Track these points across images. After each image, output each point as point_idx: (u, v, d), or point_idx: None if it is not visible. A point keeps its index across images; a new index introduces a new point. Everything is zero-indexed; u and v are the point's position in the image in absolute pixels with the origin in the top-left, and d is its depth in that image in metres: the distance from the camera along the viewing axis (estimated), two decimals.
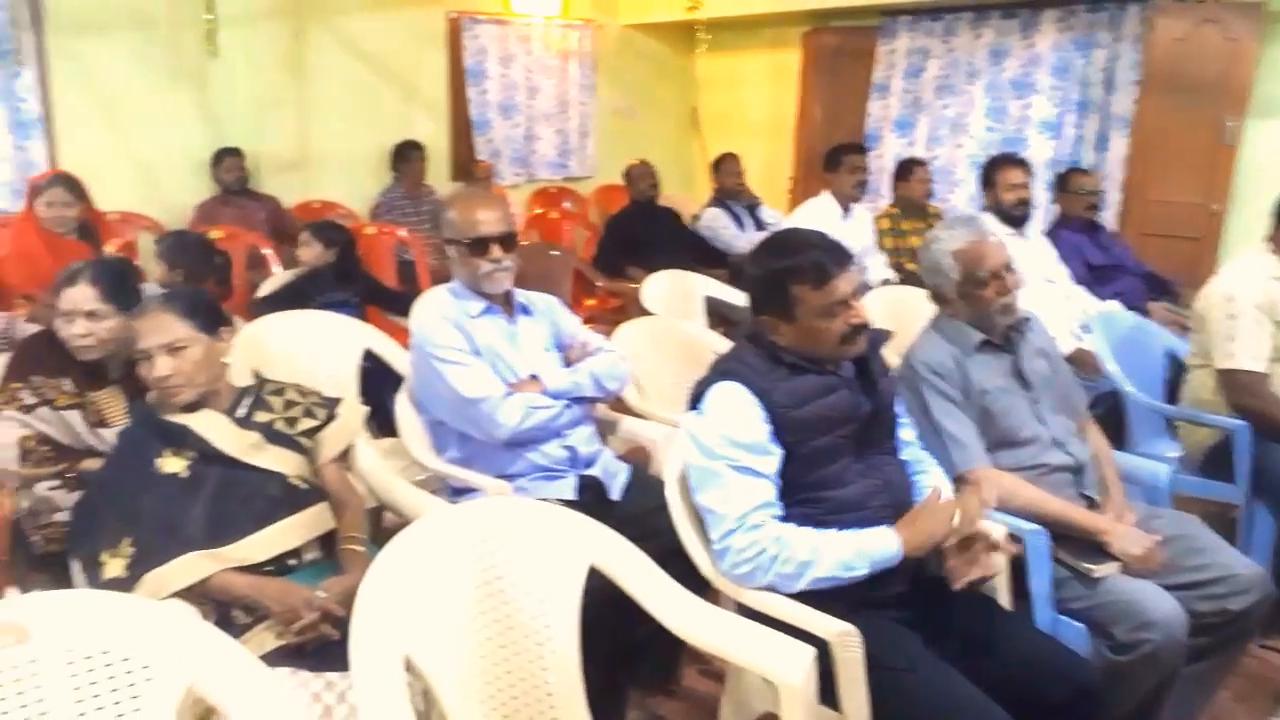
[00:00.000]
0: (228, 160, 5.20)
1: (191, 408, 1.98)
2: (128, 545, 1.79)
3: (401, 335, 3.27)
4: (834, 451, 1.86)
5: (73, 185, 3.78)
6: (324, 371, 2.96)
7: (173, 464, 1.90)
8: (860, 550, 1.78)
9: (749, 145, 6.00)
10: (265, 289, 3.91)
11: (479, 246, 2.37)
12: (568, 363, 2.51)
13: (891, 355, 2.34)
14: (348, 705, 1.67)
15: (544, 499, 2.12)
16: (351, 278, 4.07)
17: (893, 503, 1.90)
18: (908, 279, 4.30)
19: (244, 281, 4.45)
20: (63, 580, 1.93)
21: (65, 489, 2.08)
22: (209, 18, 4.91)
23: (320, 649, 1.75)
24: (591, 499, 2.33)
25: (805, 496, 1.84)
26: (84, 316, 2.13)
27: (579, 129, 7.03)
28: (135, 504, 1.84)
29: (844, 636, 1.67)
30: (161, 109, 5.16)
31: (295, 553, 1.92)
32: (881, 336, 2.00)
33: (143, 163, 5.13)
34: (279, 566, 1.89)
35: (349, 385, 2.96)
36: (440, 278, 4.86)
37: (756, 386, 1.82)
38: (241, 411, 2.02)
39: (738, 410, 1.81)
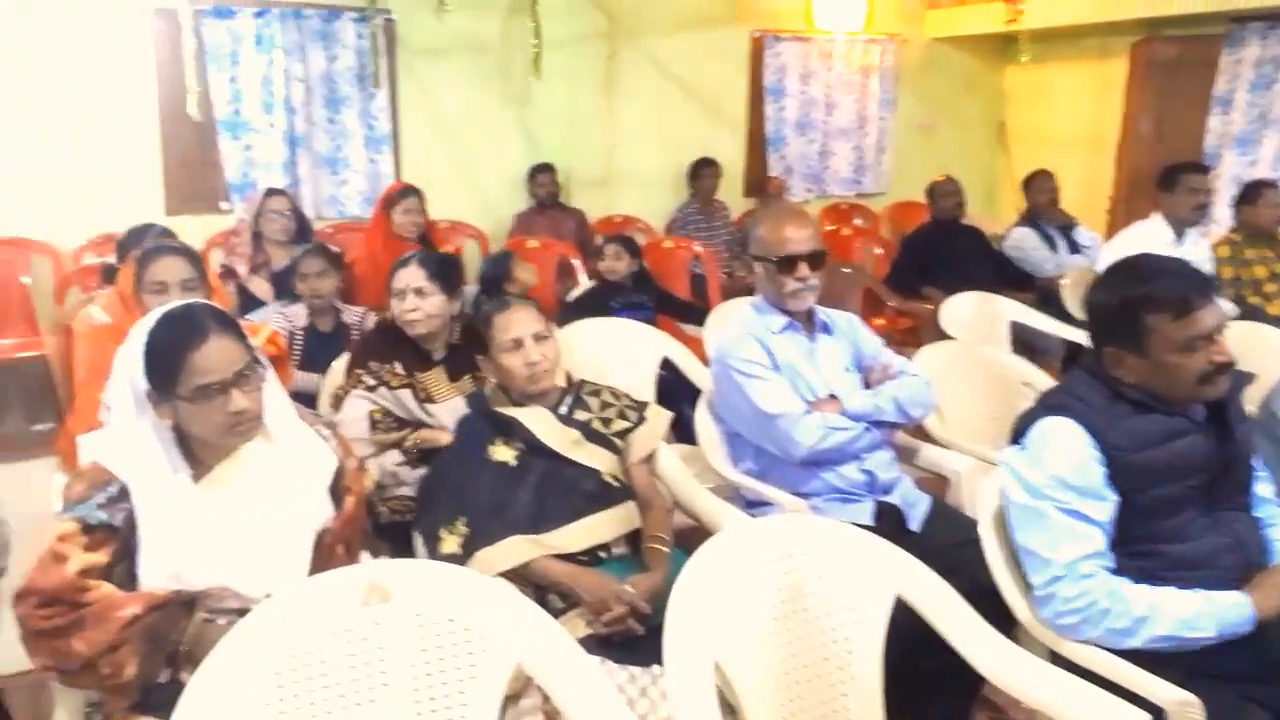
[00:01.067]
0: (541, 176, 5.59)
1: (519, 402, 2.15)
2: (462, 524, 1.97)
3: (694, 346, 3.37)
4: (1178, 502, 1.69)
5: (420, 196, 4.23)
6: (624, 376, 3.10)
7: (503, 453, 2.07)
8: (1206, 611, 1.60)
9: (1062, 162, 5.59)
10: (573, 296, 4.15)
11: (787, 264, 2.38)
12: (868, 384, 2.46)
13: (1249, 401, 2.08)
14: (649, 700, 1.74)
15: (841, 520, 2.09)
16: (646, 287, 4.25)
17: (1243, 563, 1.70)
18: (1249, 313, 3.83)
19: (553, 289, 4.77)
20: (403, 549, 2.16)
21: (409, 465, 2.33)
22: (535, 43, 5.31)
23: (625, 642, 1.84)
24: (889, 527, 2.26)
25: (1141, 549, 1.68)
26: (413, 293, 2.43)
27: (876, 145, 6.89)
28: (470, 487, 2.02)
29: (1184, 706, 1.51)
30: (489, 127, 5.66)
31: (605, 546, 2.03)
32: (1244, 379, 1.79)
33: (471, 176, 5.64)
34: (591, 558, 2.00)
35: (647, 391, 3.08)
36: (730, 292, 5.00)
37: (1092, 424, 1.69)
38: (564, 409, 2.16)
39: (1069, 449, 1.68)
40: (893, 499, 2.35)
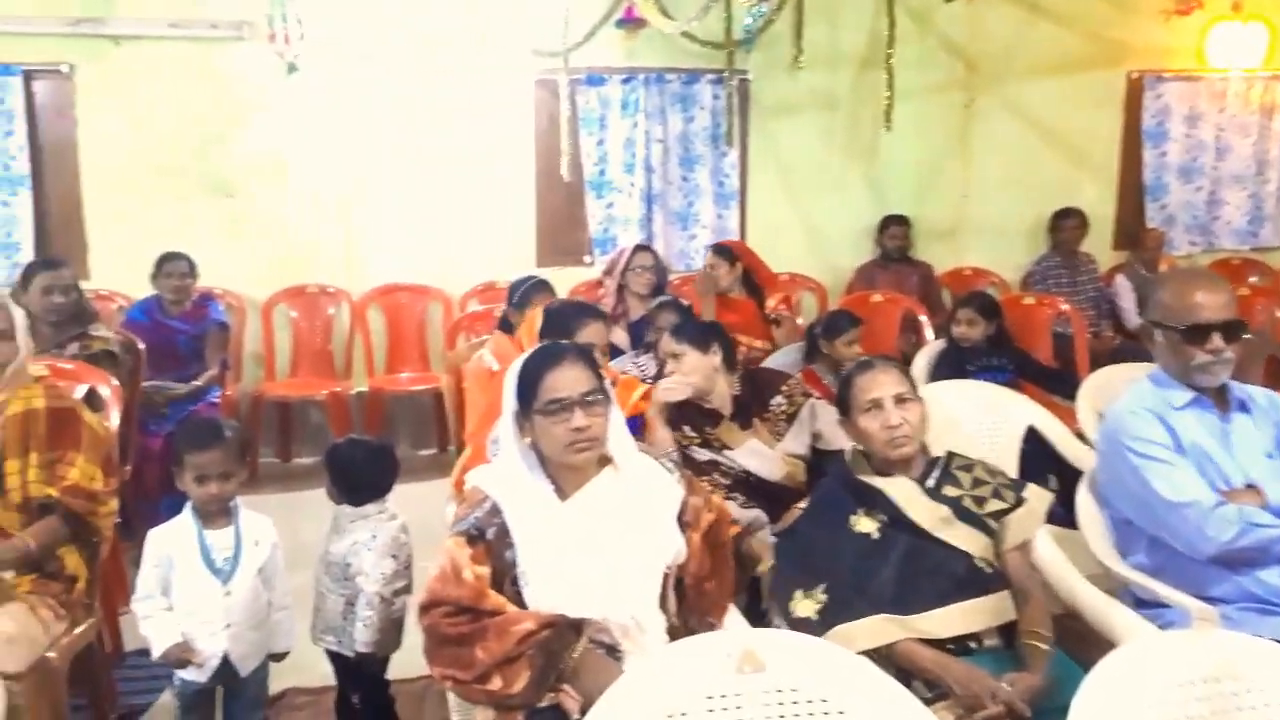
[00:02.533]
0: (893, 228, 5.45)
1: (883, 471, 2.05)
2: (820, 592, 1.90)
3: (1063, 415, 3.07)
4: None
5: (726, 252, 4.28)
6: (983, 446, 2.88)
7: (865, 524, 1.98)
8: None
9: None
10: (921, 357, 3.95)
11: (1196, 334, 2.08)
12: None
13: None
14: None
15: (1259, 636, 1.77)
16: (1004, 348, 3.96)
17: None
18: None
19: (896, 345, 4.60)
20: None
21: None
22: (887, 95, 5.21)
23: None
24: None
25: None
26: (671, 359, 2.60)
27: (1277, 193, 6.00)
28: (830, 555, 1.95)
29: None
30: (834, 180, 5.62)
31: (975, 636, 1.87)
32: None
33: (813, 228, 5.63)
34: (959, 647, 1.85)
35: (1009, 464, 2.84)
36: (1098, 356, 4.55)
37: None
38: (931, 482, 2.03)
39: None
40: None
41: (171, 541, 2.15)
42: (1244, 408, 2.18)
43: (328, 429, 4.89)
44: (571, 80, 5.16)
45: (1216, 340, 2.08)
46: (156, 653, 2.11)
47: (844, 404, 2.11)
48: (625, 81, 5.32)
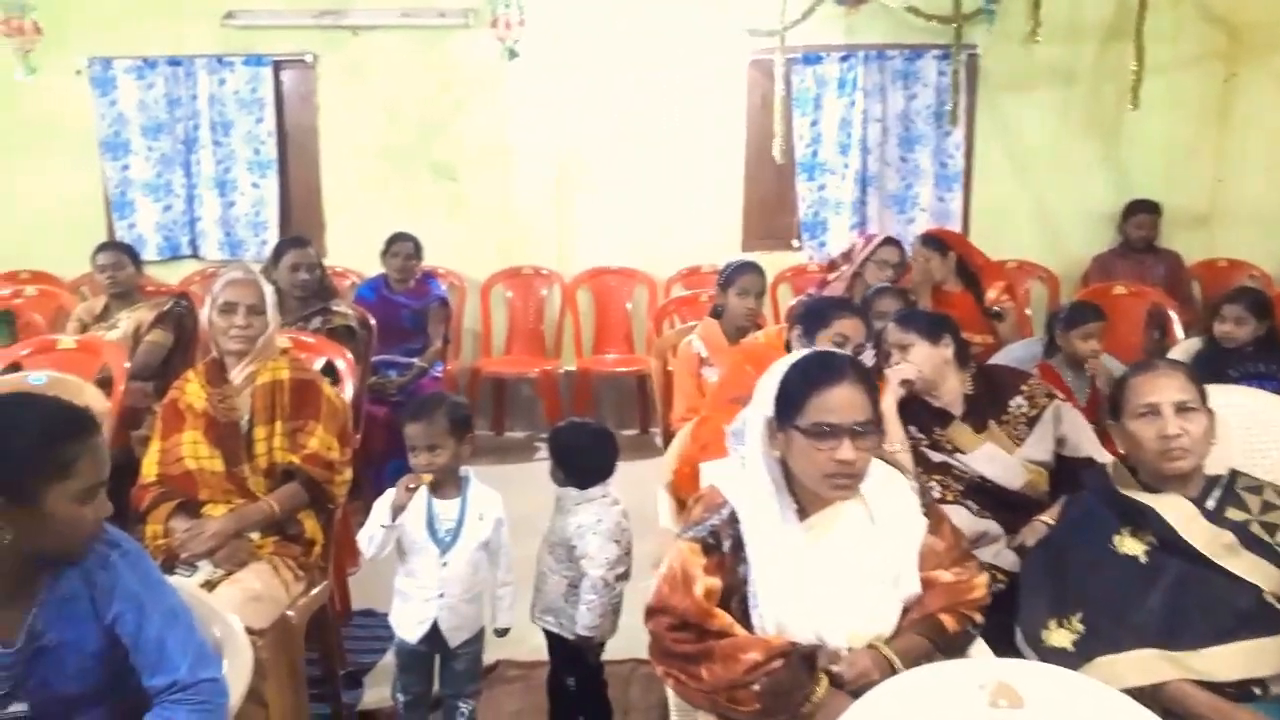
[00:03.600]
0: (1140, 215, 4.96)
1: (1153, 487, 1.82)
2: (1077, 620, 1.72)
3: None
4: None
5: (936, 243, 3.99)
6: (1255, 464, 2.53)
7: (1130, 545, 1.77)
8: None
9: None
10: (1174, 357, 3.55)
11: None
12: None
13: None
14: None
15: None
16: (1273, 352, 3.49)
17: None
18: None
19: (1139, 342, 4.19)
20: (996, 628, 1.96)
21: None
22: (1135, 69, 4.74)
23: None
24: None
25: None
26: (898, 349, 2.37)
27: None
28: (1089, 578, 1.76)
29: None
30: (1070, 162, 5.18)
31: (1260, 681, 1.63)
32: None
33: (1045, 214, 5.22)
34: (1240, 692, 1.62)
35: None
36: None
37: None
38: (1211, 503, 1.79)
39: None
40: None
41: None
42: None
43: (538, 405, 5.03)
44: (788, 59, 5.01)
45: None
46: (372, 539, 2.15)
47: (1116, 405, 1.87)
48: (844, 59, 5.11)
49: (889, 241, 3.98)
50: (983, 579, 1.71)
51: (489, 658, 2.56)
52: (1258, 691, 1.63)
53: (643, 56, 5.08)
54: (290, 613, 2.22)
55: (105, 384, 3.16)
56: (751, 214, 5.31)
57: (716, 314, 3.37)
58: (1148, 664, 1.62)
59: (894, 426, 2.28)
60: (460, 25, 5.04)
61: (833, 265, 4.19)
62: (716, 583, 1.59)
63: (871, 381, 1.61)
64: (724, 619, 1.57)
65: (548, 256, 5.27)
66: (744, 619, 1.59)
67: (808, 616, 1.57)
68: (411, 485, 2.14)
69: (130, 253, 3.87)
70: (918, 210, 5.22)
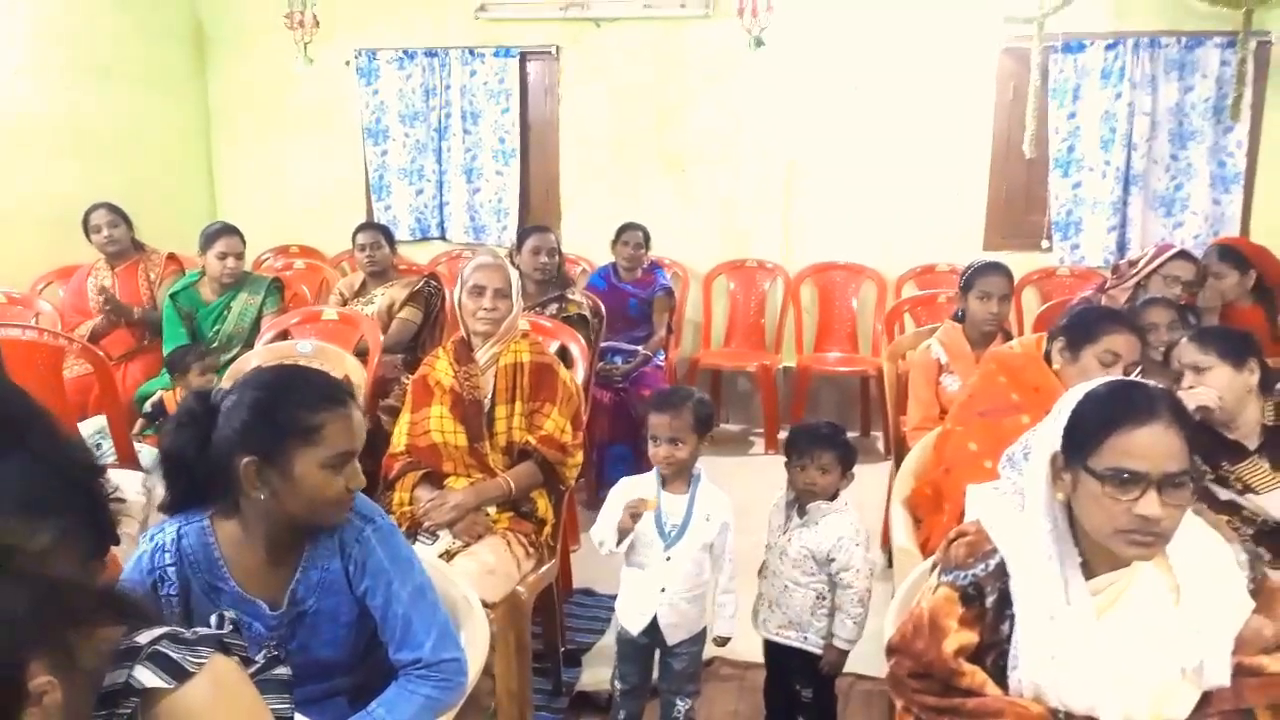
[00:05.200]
0: None
1: None
2: None
3: None
4: None
5: (1238, 259, 3.51)
6: None
7: None
8: None
9: None
10: None
11: None
12: None
13: None
14: None
15: None
16: None
17: None
18: None
19: None
20: None
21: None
22: None
23: None
24: None
25: None
26: (1192, 371, 2.19)
27: None
28: None
29: None
30: None
31: None
32: None
33: None
34: None
35: None
36: None
37: None
38: None
39: None
40: None
41: (635, 493, 2.21)
42: None
43: (755, 399, 4.97)
44: (1046, 47, 4.66)
45: None
46: (610, 536, 2.17)
47: None
48: (1110, 47, 4.68)
49: (1182, 255, 3.50)
50: None
51: (707, 653, 2.53)
52: None
53: (891, 45, 4.87)
54: (520, 588, 2.28)
55: (361, 355, 3.39)
56: (996, 211, 4.99)
57: (958, 318, 3.18)
58: None
59: None
60: (700, 16, 5.03)
61: (1117, 271, 3.76)
62: (972, 638, 1.43)
63: (1190, 425, 1.37)
64: (975, 678, 1.41)
65: (773, 249, 5.18)
66: (999, 679, 1.43)
67: (1080, 689, 1.37)
68: (636, 512, 2.15)
69: (386, 233, 4.13)
70: (1188, 214, 4.72)
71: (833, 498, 2.27)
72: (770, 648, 2.37)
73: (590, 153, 5.34)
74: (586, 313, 3.59)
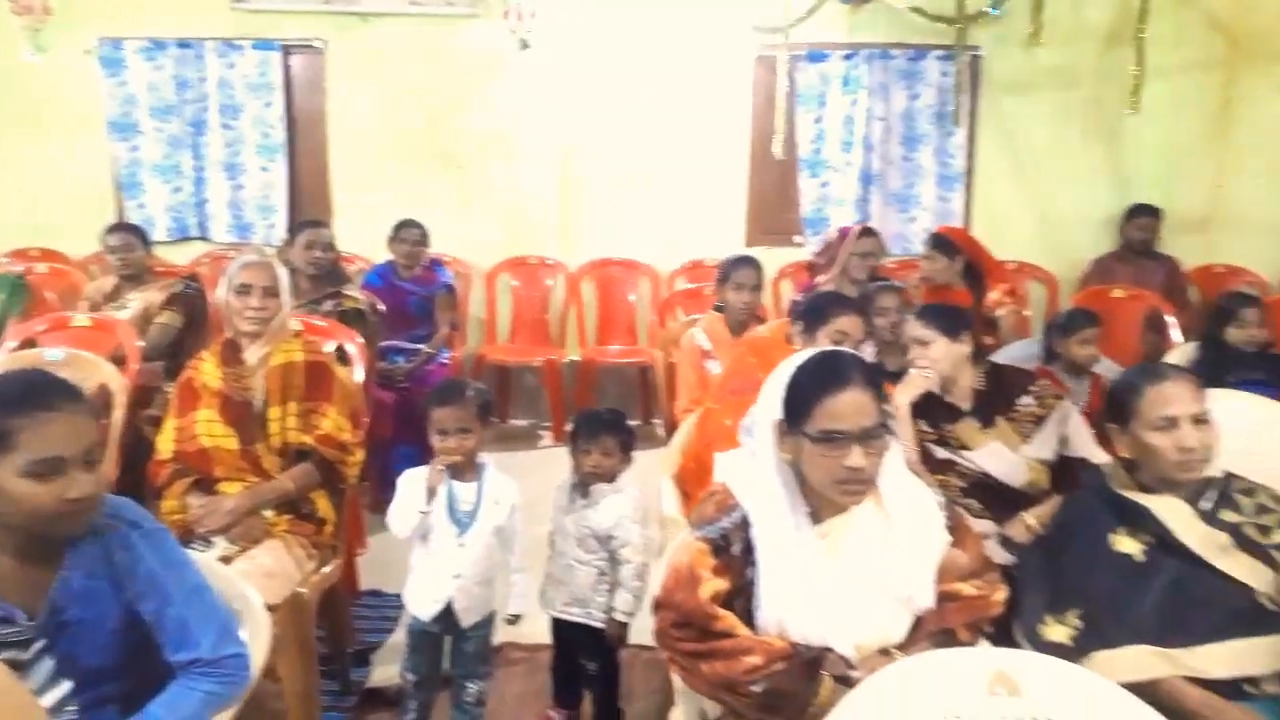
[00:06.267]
0: (1141, 218, 5.01)
1: (1150, 488, 1.87)
2: (1074, 616, 1.77)
3: None
4: None
5: (944, 243, 4.03)
6: (1249, 465, 2.59)
7: (1127, 544, 1.81)
8: None
9: None
10: (1172, 361, 3.61)
11: None
12: None
13: None
14: None
15: None
16: (1268, 358, 3.56)
17: None
18: None
19: (1136, 347, 4.25)
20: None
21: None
22: (1136, 71, 4.79)
23: None
24: None
25: None
26: (917, 344, 2.45)
27: None
28: (1086, 575, 1.80)
29: None
30: (1071, 165, 5.23)
31: (1253, 681, 1.68)
32: None
33: (1046, 216, 5.27)
34: (1232, 690, 1.67)
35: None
36: None
37: None
38: (1206, 504, 1.84)
39: None
40: None
41: (422, 484, 2.25)
42: None
43: (542, 394, 5.07)
44: (792, 56, 5.05)
45: None
46: (407, 522, 2.22)
47: (1123, 412, 1.89)
48: (847, 58, 5.14)
49: (867, 232, 4.01)
50: (1002, 594, 1.71)
51: (494, 640, 2.61)
52: (1250, 689, 1.68)
53: (650, 50, 5.12)
54: (303, 589, 2.27)
55: (118, 363, 3.20)
56: (755, 209, 5.35)
57: (719, 308, 3.42)
58: (1143, 661, 1.67)
59: (905, 427, 2.33)
60: (469, 15, 5.07)
61: (812, 267, 4.25)
62: (724, 584, 1.59)
63: (879, 382, 1.60)
64: (728, 620, 1.57)
65: (553, 247, 5.31)
66: (749, 620, 1.61)
67: (814, 622, 1.57)
68: (441, 466, 2.20)
69: (140, 234, 3.90)
70: (919, 209, 5.27)
71: (613, 480, 2.41)
72: (557, 625, 2.49)
73: (363, 149, 5.24)
74: (364, 309, 3.56)
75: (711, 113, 5.21)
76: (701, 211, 5.29)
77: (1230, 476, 1.90)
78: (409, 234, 4.42)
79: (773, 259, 5.06)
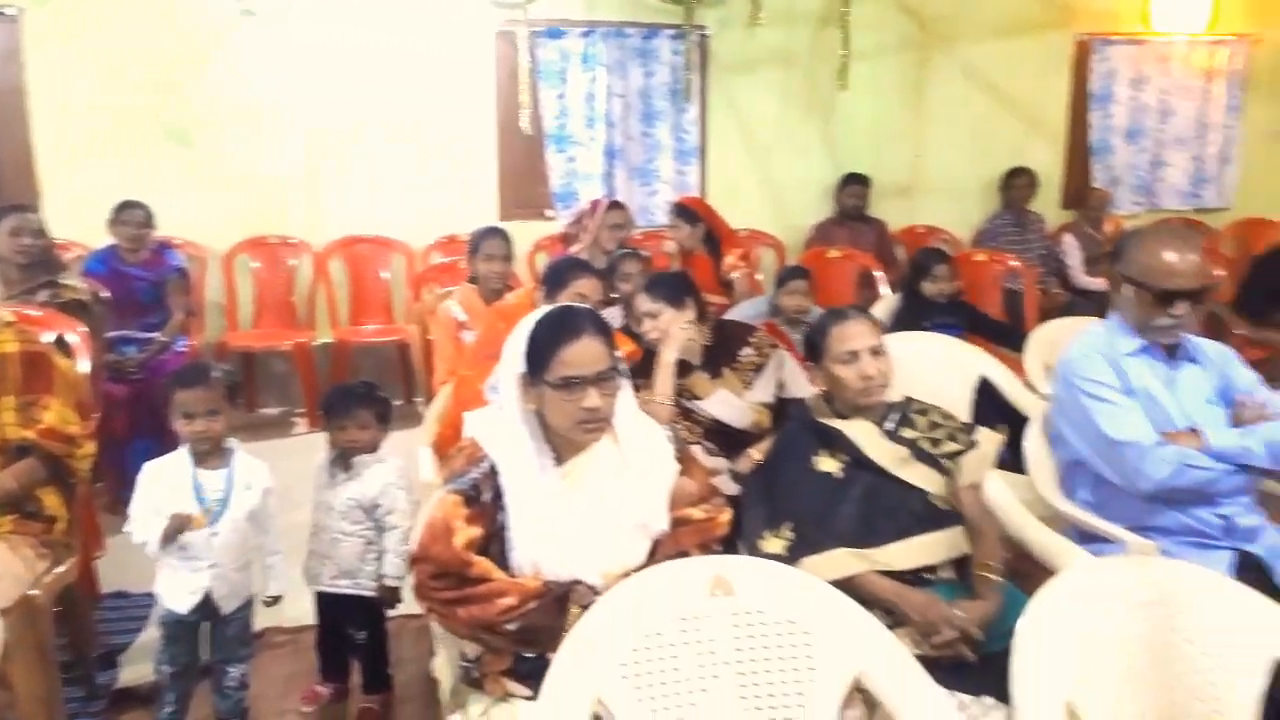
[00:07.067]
0: (852, 186, 5.55)
1: (845, 415, 2.15)
2: (787, 530, 2.01)
3: (1012, 366, 3.20)
4: None
5: (686, 212, 4.34)
6: (938, 395, 3.00)
7: (828, 464, 2.09)
8: None
9: None
10: (878, 311, 4.07)
11: (1165, 299, 2.16)
12: (1237, 423, 2.22)
13: None
14: None
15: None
16: (958, 306, 4.09)
17: None
18: None
19: (852, 301, 4.72)
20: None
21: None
22: (843, 53, 5.32)
23: (952, 667, 1.79)
24: (1253, 582, 2.03)
25: None
26: (648, 317, 2.62)
27: (1218, 155, 6.23)
28: (795, 494, 2.06)
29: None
30: (793, 138, 5.70)
31: (931, 569, 1.99)
32: None
33: (773, 186, 5.71)
34: (916, 578, 1.97)
35: (962, 412, 2.96)
36: (1046, 311, 4.71)
37: None
38: (889, 425, 2.14)
39: None
40: (1256, 549, 2.12)
41: (165, 476, 2.19)
42: (1193, 359, 2.28)
43: (294, 379, 4.91)
44: (531, 32, 5.15)
45: (1182, 307, 2.16)
46: (155, 541, 2.14)
47: (816, 350, 2.18)
48: (585, 34, 5.31)
49: (616, 205, 4.27)
50: (728, 515, 1.91)
51: (255, 625, 2.57)
52: (930, 577, 1.99)
53: (389, 21, 5.04)
54: (35, 591, 2.14)
55: None
56: (507, 183, 5.42)
57: (474, 280, 3.49)
58: (843, 561, 1.93)
59: (666, 380, 2.51)
60: None
61: (566, 238, 4.45)
62: (477, 532, 1.68)
63: (609, 331, 1.76)
64: (482, 565, 1.67)
65: (296, 225, 5.13)
66: (504, 564, 1.71)
67: (562, 557, 1.69)
68: (180, 529, 2.14)
69: None
70: (660, 182, 5.56)
71: (374, 451, 2.44)
72: (323, 600, 2.49)
73: (73, 125, 4.80)
74: (86, 299, 3.31)
75: (457, 87, 5.22)
76: (453, 186, 5.29)
77: (909, 400, 2.22)
78: (131, 216, 4.13)
79: (527, 232, 5.17)
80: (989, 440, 2.19)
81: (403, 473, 2.46)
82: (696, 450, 2.47)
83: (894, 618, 1.88)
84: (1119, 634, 1.53)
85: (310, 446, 2.66)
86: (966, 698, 1.72)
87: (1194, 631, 1.54)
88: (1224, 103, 6.17)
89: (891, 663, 1.49)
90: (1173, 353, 2.27)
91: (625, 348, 2.69)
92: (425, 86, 5.16)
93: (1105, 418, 2.18)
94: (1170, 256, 2.16)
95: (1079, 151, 6.12)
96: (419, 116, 5.18)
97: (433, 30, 5.11)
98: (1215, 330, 4.42)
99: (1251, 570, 2.08)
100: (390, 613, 2.53)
